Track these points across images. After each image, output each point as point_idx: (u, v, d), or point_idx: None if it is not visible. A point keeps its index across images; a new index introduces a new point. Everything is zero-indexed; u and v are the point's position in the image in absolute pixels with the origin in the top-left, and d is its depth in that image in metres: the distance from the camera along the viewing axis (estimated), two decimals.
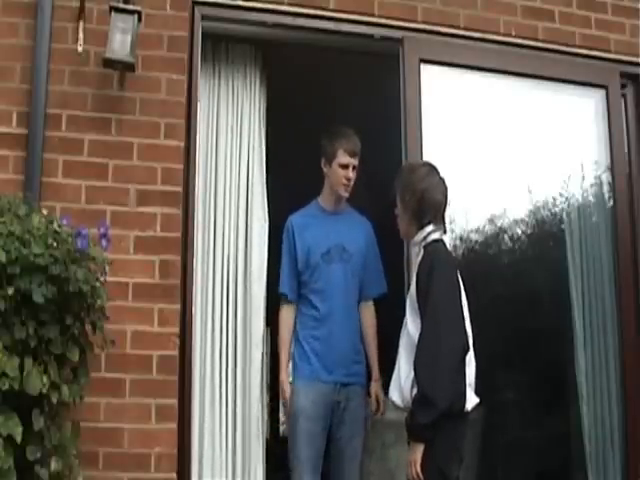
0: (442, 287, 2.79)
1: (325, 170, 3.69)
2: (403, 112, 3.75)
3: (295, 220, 3.70)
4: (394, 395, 2.90)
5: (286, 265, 3.66)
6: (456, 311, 2.80)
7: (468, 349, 2.78)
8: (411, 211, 2.98)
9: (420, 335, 2.76)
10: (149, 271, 3.30)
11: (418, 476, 2.70)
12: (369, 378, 3.67)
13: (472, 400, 2.82)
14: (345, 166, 3.63)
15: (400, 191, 3.03)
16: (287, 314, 3.65)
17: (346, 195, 3.70)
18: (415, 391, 2.73)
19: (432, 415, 2.65)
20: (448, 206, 3.06)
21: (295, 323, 3.64)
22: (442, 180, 3.03)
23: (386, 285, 3.75)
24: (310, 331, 3.59)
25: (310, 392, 3.51)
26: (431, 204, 2.97)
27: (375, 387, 3.62)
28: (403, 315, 2.94)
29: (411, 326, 2.86)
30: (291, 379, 3.61)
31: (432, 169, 3.07)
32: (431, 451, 2.70)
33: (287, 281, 3.65)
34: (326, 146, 3.67)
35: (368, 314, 3.71)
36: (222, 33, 3.77)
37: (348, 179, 3.64)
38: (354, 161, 3.64)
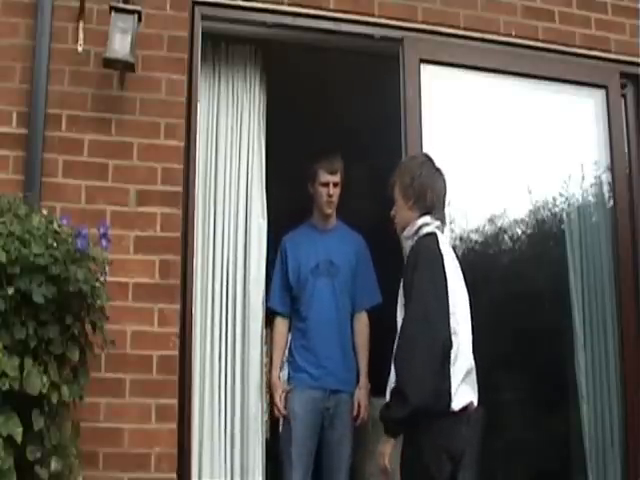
0: (425, 281, 2.73)
1: (311, 192, 3.95)
2: (403, 112, 3.75)
3: (288, 240, 3.95)
4: (387, 394, 2.85)
5: (277, 281, 3.89)
6: (438, 306, 2.71)
7: (450, 345, 2.70)
8: (414, 197, 2.92)
9: (400, 329, 2.72)
10: (149, 271, 3.30)
11: (386, 468, 2.72)
12: None
13: (461, 399, 2.73)
14: (325, 184, 3.89)
15: (400, 179, 2.97)
16: (280, 325, 3.87)
17: (329, 212, 3.95)
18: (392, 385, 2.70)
19: (405, 410, 2.61)
20: (448, 205, 3.05)
21: (289, 335, 3.88)
22: (440, 170, 3.00)
23: (380, 296, 3.94)
24: (300, 342, 3.83)
25: (302, 400, 3.75)
26: (433, 189, 2.93)
27: (358, 394, 3.81)
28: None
29: (400, 321, 2.80)
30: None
31: (429, 159, 3.06)
32: (416, 450, 2.68)
33: (277, 296, 3.87)
34: (308, 169, 3.94)
35: (359, 324, 3.92)
36: (222, 33, 3.76)
37: (330, 196, 3.90)
38: (333, 178, 3.91)
